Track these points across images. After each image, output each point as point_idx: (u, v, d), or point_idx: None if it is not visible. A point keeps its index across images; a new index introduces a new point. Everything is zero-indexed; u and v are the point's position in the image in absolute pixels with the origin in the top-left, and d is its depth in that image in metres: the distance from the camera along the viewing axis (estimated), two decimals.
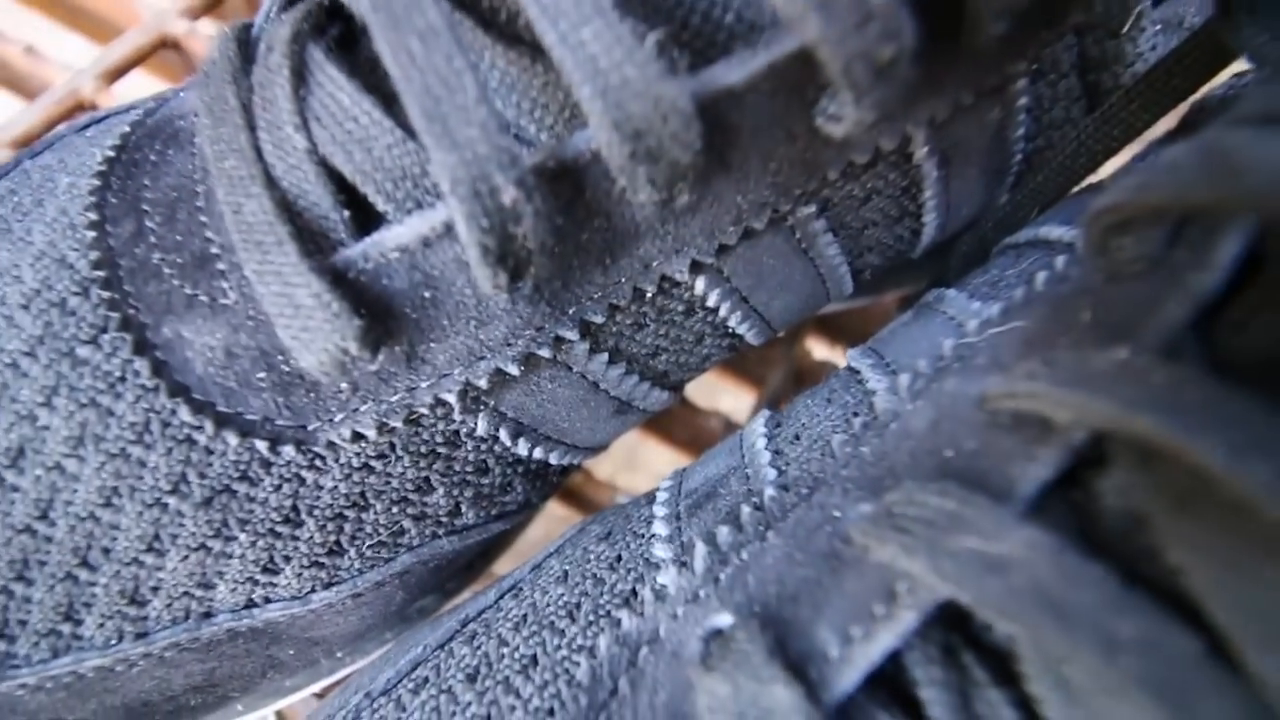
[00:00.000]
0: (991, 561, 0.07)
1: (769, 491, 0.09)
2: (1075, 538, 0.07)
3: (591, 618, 0.09)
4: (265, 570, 0.10)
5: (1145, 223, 0.08)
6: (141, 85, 0.22)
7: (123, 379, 0.09)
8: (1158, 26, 0.14)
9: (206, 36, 0.22)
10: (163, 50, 0.23)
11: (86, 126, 0.14)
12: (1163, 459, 0.07)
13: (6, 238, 0.11)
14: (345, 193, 0.09)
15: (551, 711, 0.08)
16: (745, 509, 0.09)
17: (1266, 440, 0.06)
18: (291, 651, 0.12)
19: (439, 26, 0.07)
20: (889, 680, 0.07)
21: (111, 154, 0.11)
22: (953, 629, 0.07)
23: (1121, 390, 0.07)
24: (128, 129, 0.11)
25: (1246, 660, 0.06)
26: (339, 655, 0.13)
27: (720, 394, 0.20)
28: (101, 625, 0.10)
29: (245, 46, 0.11)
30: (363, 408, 0.09)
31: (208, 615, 0.10)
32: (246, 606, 0.10)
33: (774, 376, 0.21)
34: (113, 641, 0.10)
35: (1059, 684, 0.07)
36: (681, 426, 0.20)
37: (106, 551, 0.10)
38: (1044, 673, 0.07)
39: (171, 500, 0.10)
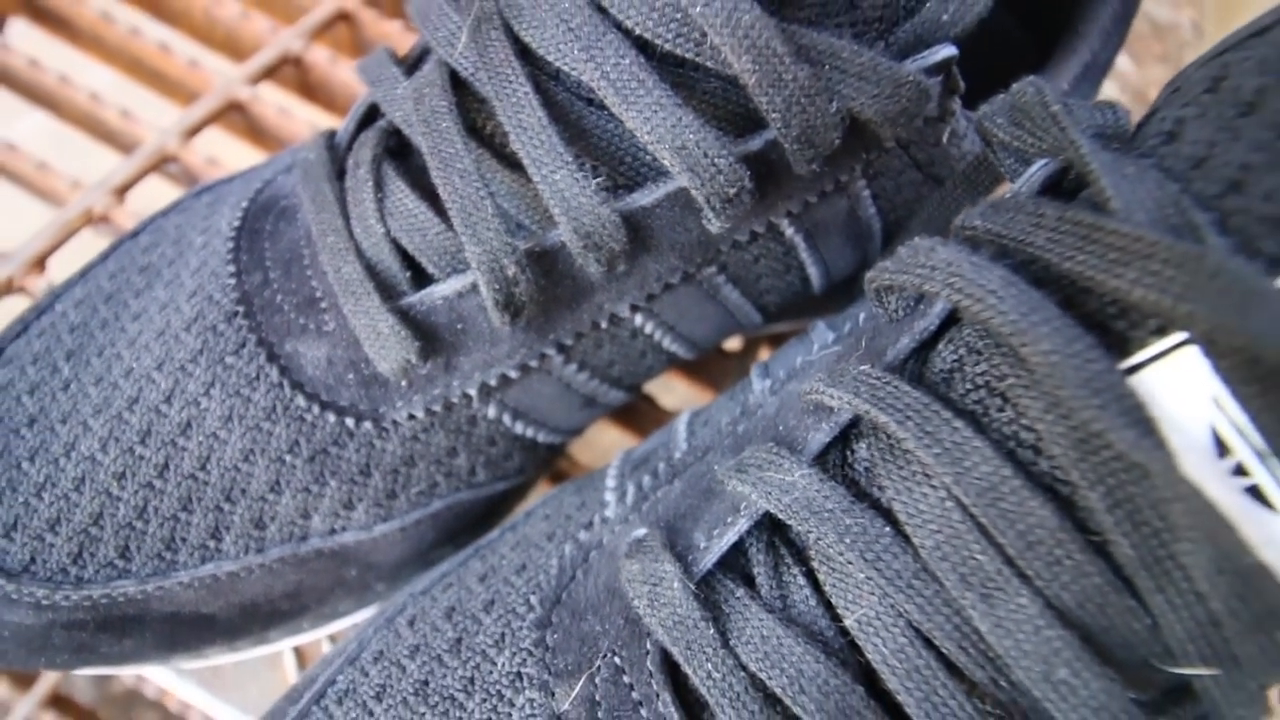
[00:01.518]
0: (786, 487, 0.12)
1: (677, 455, 0.14)
2: (836, 473, 0.12)
3: (561, 537, 0.14)
4: (345, 507, 0.15)
5: (895, 289, 0.13)
6: (214, 139, 0.28)
7: (257, 378, 0.15)
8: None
9: (265, 100, 0.28)
10: (230, 111, 0.28)
11: (201, 194, 0.19)
12: (879, 431, 0.12)
13: (160, 279, 0.17)
14: (408, 262, 0.14)
15: (534, 590, 0.14)
16: (662, 465, 0.14)
17: (932, 422, 0.11)
18: (354, 572, 0.17)
19: (469, 169, 0.12)
20: (734, 561, 0.12)
21: (238, 224, 0.16)
22: (773, 530, 0.12)
23: (863, 390, 0.12)
24: (246, 204, 0.17)
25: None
26: (379, 588, 0.18)
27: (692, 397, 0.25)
28: (235, 542, 0.15)
29: (333, 151, 0.16)
30: (415, 398, 0.14)
31: (304, 538, 0.16)
32: (330, 533, 0.16)
33: (728, 380, 0.26)
34: (241, 554, 0.15)
35: (826, 561, 0.12)
36: (654, 423, 0.25)
37: (244, 491, 0.15)
38: (818, 555, 0.12)
39: (288, 457, 0.15)
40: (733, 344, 0.25)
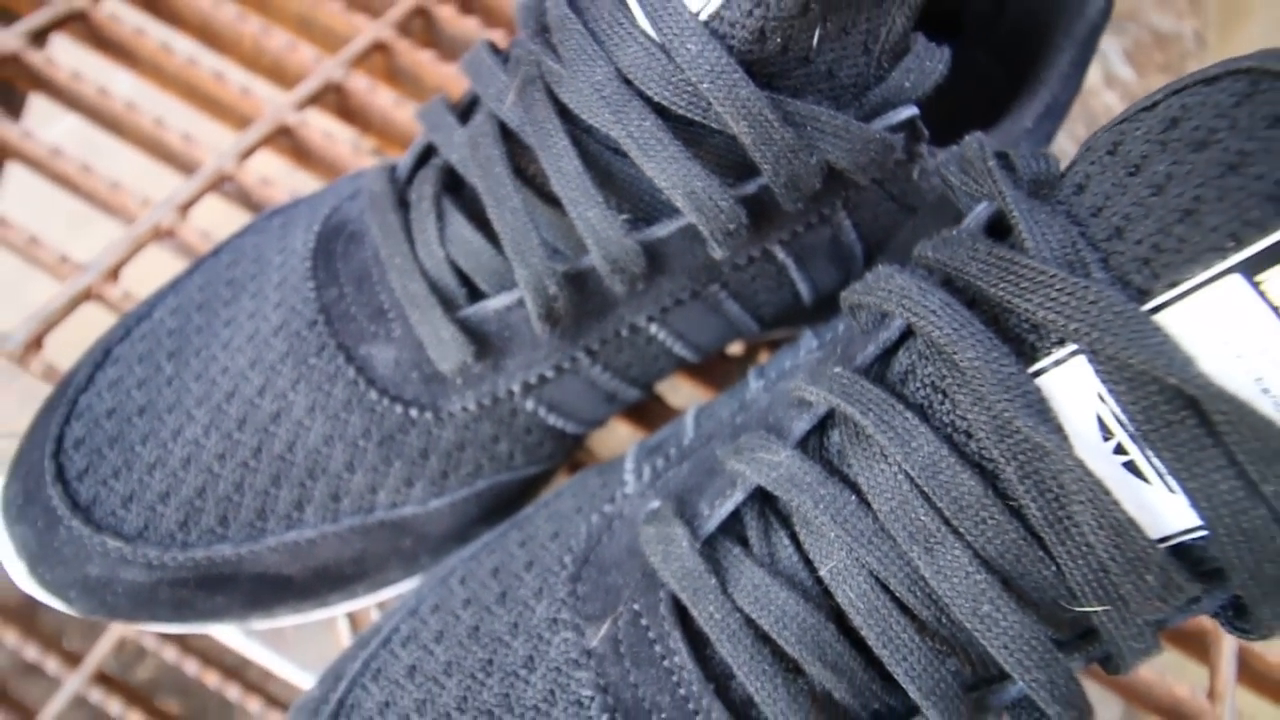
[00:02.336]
0: (774, 465, 0.15)
1: (686, 441, 0.17)
2: (814, 455, 0.15)
3: (588, 510, 0.17)
4: (405, 484, 0.18)
5: (864, 306, 0.16)
6: (265, 161, 0.31)
7: (336, 375, 0.18)
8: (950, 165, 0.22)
9: (311, 125, 0.31)
10: (279, 135, 0.31)
11: (272, 217, 0.22)
12: (848, 421, 0.15)
13: (245, 292, 0.20)
14: (464, 280, 0.17)
15: (567, 552, 0.17)
16: (673, 450, 0.17)
17: (889, 414, 0.14)
18: (408, 542, 0.20)
19: (517, 206, 0.15)
20: (731, 526, 0.15)
21: (313, 245, 0.19)
22: (763, 501, 0.15)
23: (836, 388, 0.15)
24: (318, 228, 0.20)
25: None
26: (424, 560, 0.21)
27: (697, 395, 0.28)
28: (315, 513, 0.18)
29: (394, 183, 0.19)
30: (468, 393, 0.17)
31: (370, 510, 0.19)
32: (392, 506, 0.19)
33: (730, 380, 0.29)
34: (319, 523, 0.18)
35: (805, 524, 0.15)
36: (661, 419, 0.28)
37: (323, 470, 0.18)
38: (799, 520, 0.15)
39: (360, 442, 0.18)
40: (734, 349, 0.28)
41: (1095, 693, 0.27)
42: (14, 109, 0.36)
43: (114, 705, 0.37)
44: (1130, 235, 0.12)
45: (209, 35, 0.33)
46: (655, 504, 0.16)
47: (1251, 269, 0.11)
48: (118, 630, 0.39)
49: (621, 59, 0.14)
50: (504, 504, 0.21)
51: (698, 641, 0.15)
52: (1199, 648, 0.27)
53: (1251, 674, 0.28)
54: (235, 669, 0.40)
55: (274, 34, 0.32)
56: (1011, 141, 0.23)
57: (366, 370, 0.17)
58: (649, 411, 0.26)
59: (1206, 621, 0.27)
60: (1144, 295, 0.12)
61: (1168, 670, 0.26)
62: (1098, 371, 0.12)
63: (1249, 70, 0.12)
